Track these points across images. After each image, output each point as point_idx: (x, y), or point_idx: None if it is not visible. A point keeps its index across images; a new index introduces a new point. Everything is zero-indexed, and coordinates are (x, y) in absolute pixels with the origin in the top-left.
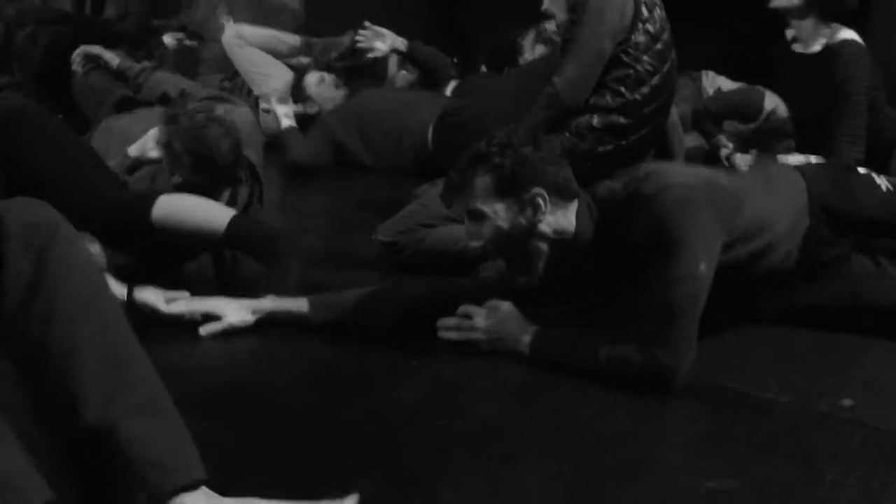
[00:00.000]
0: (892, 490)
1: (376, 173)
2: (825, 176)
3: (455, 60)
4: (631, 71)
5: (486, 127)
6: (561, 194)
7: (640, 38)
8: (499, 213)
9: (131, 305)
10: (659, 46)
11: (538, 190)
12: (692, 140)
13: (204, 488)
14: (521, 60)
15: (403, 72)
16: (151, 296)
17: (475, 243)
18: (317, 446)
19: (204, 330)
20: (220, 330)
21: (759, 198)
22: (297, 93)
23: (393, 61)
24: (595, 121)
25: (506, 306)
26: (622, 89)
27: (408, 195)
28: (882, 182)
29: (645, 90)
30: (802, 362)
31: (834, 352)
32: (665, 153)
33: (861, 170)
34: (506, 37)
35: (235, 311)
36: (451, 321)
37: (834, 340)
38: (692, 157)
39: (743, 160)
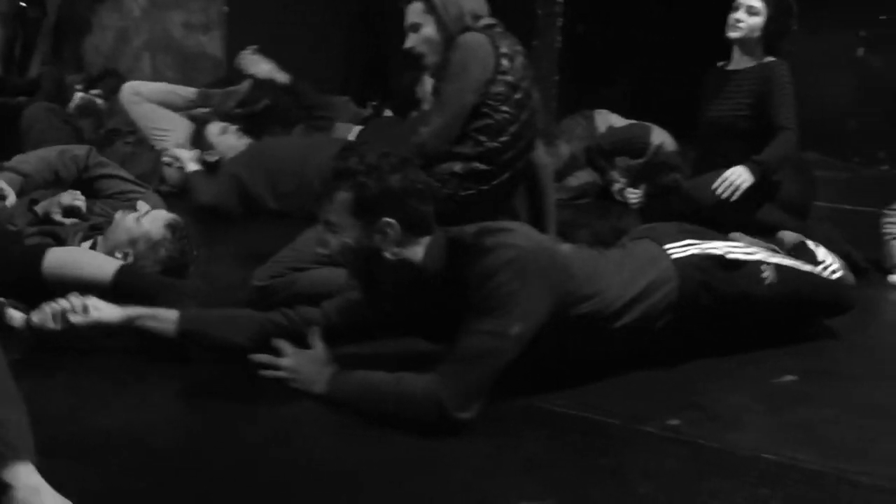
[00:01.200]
0: (697, 502)
1: (276, 219)
2: (701, 275)
3: (374, 104)
4: (490, 121)
5: None
6: (413, 229)
7: (500, 88)
8: (348, 229)
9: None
10: (518, 95)
11: (390, 220)
12: (586, 176)
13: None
14: (423, 108)
15: None
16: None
17: (322, 250)
18: (164, 483)
19: (73, 318)
20: (87, 323)
21: (615, 279)
22: (198, 141)
23: None
24: (457, 167)
25: (318, 347)
26: (482, 138)
27: None
28: (768, 273)
29: (504, 138)
30: (638, 387)
31: (669, 376)
32: (535, 194)
33: (752, 257)
34: (406, 84)
35: (108, 309)
36: (262, 357)
37: (672, 365)
38: (586, 192)
39: (633, 194)
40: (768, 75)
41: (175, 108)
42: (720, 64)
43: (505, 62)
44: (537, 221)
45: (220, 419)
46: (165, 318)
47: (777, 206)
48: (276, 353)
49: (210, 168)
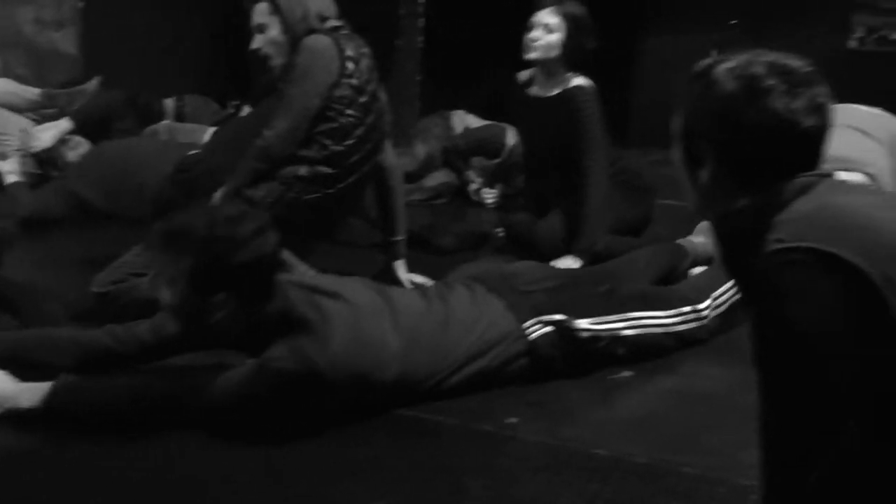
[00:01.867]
0: (529, 497)
1: (116, 225)
2: (557, 352)
3: (236, 103)
4: (336, 124)
5: (217, 181)
6: (249, 300)
7: (345, 91)
8: (181, 292)
9: None
10: (363, 98)
11: (223, 296)
12: (443, 177)
13: None
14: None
15: (166, 121)
16: None
17: (153, 293)
18: None
19: None
20: None
21: (455, 351)
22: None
23: (170, 106)
24: (302, 171)
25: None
26: (327, 142)
27: None
28: (622, 350)
29: (350, 141)
30: (482, 388)
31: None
32: (384, 197)
33: (613, 334)
34: (265, 83)
35: None
36: None
37: None
38: (443, 193)
39: (489, 194)
40: (570, 107)
41: (17, 109)
42: (521, 81)
43: (350, 65)
44: (387, 224)
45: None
46: None
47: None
48: None
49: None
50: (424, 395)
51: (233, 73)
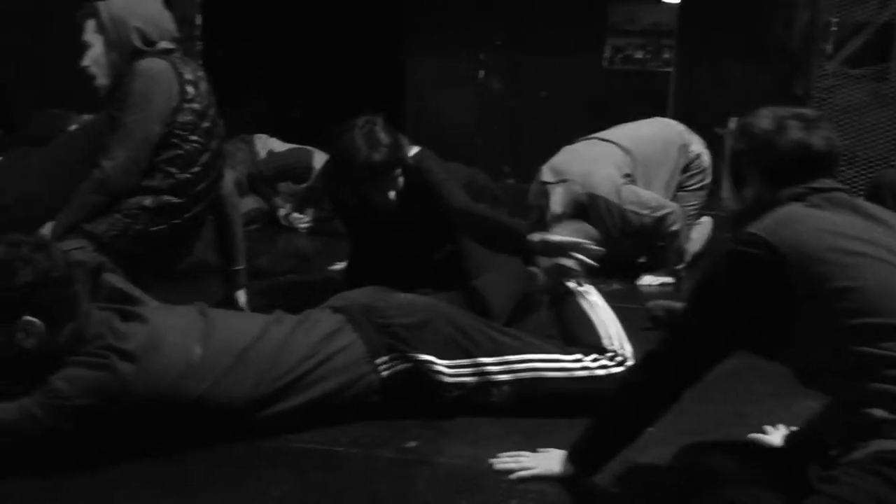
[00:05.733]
0: None
1: None
2: (414, 387)
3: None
4: (181, 151)
5: (35, 212)
6: (55, 320)
7: (188, 117)
8: None
9: None
10: (206, 124)
11: (29, 318)
12: (252, 203)
13: None
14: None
15: None
16: None
17: None
18: None
19: None
20: None
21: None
22: None
23: None
24: (147, 202)
25: None
26: (172, 170)
27: None
28: (497, 397)
29: (196, 169)
30: (367, 413)
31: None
32: (224, 226)
33: (469, 380)
34: (47, 120)
35: None
36: None
37: None
38: (254, 219)
39: (298, 220)
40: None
41: None
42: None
43: (190, 89)
44: (227, 253)
45: None
46: None
47: None
48: None
49: None
50: (264, 408)
51: None
